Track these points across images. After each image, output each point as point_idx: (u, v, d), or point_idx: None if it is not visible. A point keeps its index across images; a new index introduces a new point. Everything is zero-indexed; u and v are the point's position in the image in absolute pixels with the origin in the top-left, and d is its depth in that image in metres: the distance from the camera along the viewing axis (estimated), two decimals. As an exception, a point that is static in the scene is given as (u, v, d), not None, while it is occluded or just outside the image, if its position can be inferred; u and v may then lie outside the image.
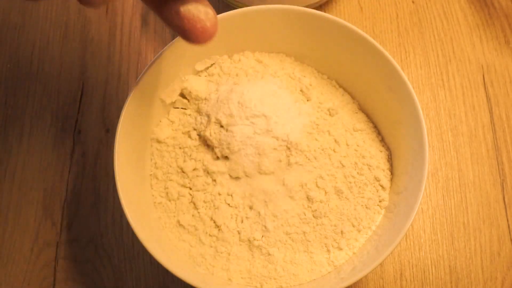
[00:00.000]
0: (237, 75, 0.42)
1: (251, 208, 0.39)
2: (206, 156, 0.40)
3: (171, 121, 0.42)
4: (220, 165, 0.39)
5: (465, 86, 0.49)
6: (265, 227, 0.38)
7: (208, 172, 0.40)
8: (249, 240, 0.38)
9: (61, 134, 0.48)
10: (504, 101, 0.49)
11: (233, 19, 0.40)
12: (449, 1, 0.53)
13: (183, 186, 0.40)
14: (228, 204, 0.39)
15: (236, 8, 0.41)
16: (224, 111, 0.40)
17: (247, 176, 0.39)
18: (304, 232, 0.38)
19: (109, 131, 0.47)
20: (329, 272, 0.37)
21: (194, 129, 0.41)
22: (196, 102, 0.42)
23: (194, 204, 0.39)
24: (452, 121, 0.48)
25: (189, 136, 0.41)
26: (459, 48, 0.51)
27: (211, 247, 0.38)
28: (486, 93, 0.49)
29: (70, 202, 0.45)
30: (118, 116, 0.37)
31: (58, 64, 0.51)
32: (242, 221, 0.39)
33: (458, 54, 0.51)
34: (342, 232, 0.38)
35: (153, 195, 0.40)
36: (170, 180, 0.40)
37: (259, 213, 0.38)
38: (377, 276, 0.42)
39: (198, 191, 0.39)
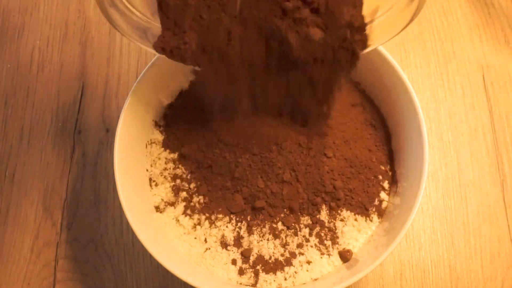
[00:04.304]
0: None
1: (251, 208, 0.39)
2: (206, 156, 0.40)
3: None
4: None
5: (465, 86, 0.49)
6: (265, 227, 0.38)
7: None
8: (249, 240, 0.38)
9: (61, 134, 0.48)
10: (504, 101, 0.49)
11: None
12: (449, 1, 0.53)
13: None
14: (228, 204, 0.39)
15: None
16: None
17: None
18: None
19: (109, 131, 0.47)
20: (329, 272, 0.37)
21: (194, 129, 0.41)
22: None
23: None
24: (452, 121, 0.48)
25: (189, 136, 0.41)
26: (459, 48, 0.51)
27: (211, 247, 0.38)
28: (486, 93, 0.49)
29: (70, 202, 0.45)
30: (118, 116, 0.37)
31: (58, 64, 0.51)
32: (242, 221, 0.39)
33: (458, 54, 0.51)
34: (342, 232, 0.38)
35: (153, 195, 0.40)
36: (170, 180, 0.40)
37: (259, 213, 0.38)
38: (377, 276, 0.42)
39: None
